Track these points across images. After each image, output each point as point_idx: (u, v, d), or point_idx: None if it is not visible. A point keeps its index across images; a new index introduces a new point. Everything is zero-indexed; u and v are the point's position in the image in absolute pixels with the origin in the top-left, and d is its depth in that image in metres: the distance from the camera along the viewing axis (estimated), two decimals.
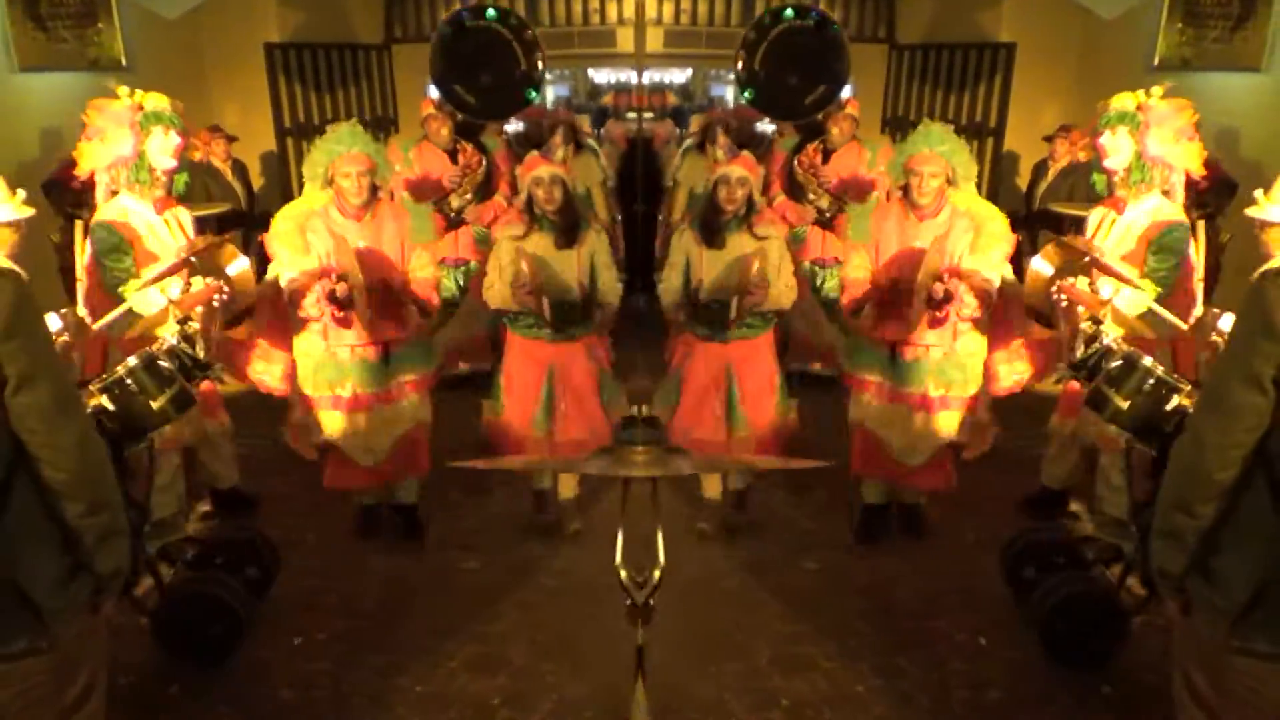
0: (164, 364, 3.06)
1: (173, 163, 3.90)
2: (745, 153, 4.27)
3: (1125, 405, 2.94)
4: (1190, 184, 6.71)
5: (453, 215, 5.84)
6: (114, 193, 3.84)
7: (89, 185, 6.80)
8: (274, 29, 8.09)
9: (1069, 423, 4.02)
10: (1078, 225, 6.47)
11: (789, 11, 6.06)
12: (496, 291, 4.02)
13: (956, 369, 3.89)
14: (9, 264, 2.28)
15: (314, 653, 3.42)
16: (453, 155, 5.97)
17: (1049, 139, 7.22)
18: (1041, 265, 3.73)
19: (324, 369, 3.93)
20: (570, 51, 8.85)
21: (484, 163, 6.03)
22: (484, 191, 6.00)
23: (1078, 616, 3.23)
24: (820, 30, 5.89)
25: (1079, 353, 3.25)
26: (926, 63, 8.46)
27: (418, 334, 4.09)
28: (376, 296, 3.86)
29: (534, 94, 6.05)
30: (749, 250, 3.99)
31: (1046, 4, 7.76)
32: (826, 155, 5.97)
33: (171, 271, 3.57)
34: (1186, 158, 3.78)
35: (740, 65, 5.88)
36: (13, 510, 1.87)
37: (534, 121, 6.59)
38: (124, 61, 7.52)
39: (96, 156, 3.83)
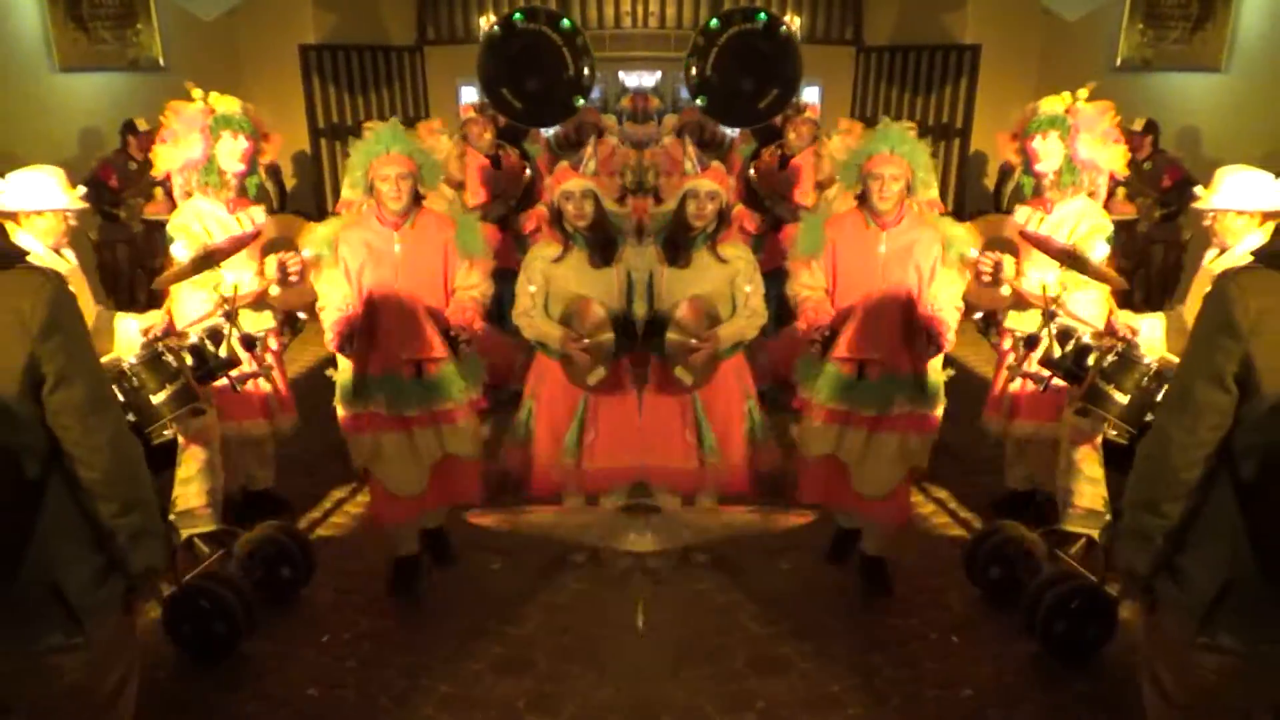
0: (169, 359, 3.00)
1: (241, 166, 3.81)
2: (716, 163, 3.93)
3: (1125, 400, 2.90)
4: (1153, 184, 6.87)
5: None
6: (189, 194, 3.83)
7: (126, 184, 6.94)
8: (309, 30, 8.09)
9: (1025, 425, 3.94)
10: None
11: (738, 15, 5.86)
12: (529, 322, 3.65)
13: (930, 381, 3.55)
14: (47, 264, 2.30)
15: (341, 651, 3.41)
16: (495, 161, 5.83)
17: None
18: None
19: (352, 384, 3.56)
20: (601, 54, 8.82)
21: (527, 169, 5.89)
22: (526, 199, 5.83)
23: (1076, 613, 3.21)
24: (769, 33, 5.66)
25: (1054, 351, 3.24)
26: (894, 64, 8.50)
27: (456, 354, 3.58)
28: (409, 315, 3.47)
29: (580, 101, 5.80)
30: (714, 272, 3.64)
31: (1010, 6, 7.81)
32: (784, 161, 5.84)
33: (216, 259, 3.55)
34: (1113, 160, 3.75)
35: (692, 71, 5.70)
36: (47, 508, 1.85)
37: (573, 124, 6.36)
38: (161, 61, 7.62)
39: (169, 159, 3.83)
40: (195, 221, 3.76)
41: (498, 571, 3.99)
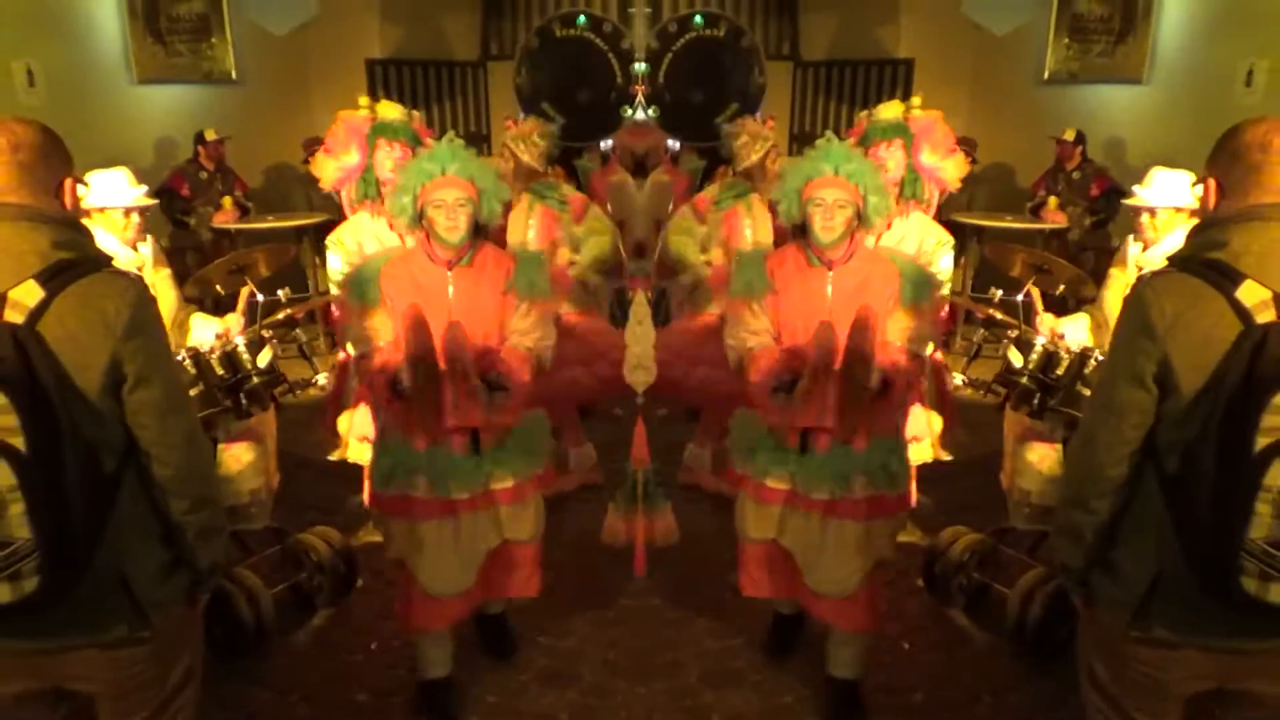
0: (187, 364, 3.02)
1: (393, 179, 3.18)
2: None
3: None
4: (1083, 193, 7.05)
5: None
6: (354, 208, 3.56)
7: (196, 193, 6.87)
8: (375, 45, 8.02)
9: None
10: (979, 234, 6.75)
11: (698, 19, 5.19)
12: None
13: (894, 457, 2.85)
14: (130, 268, 2.29)
15: (391, 659, 3.37)
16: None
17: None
18: None
19: (390, 459, 2.84)
20: None
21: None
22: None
23: (1063, 611, 3.12)
24: (732, 41, 5.08)
25: (1015, 360, 3.32)
26: (830, 79, 8.61)
27: (515, 418, 2.86)
28: (463, 373, 2.70)
29: (629, 110, 5.10)
30: None
31: (942, 21, 7.86)
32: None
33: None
34: (954, 170, 3.51)
35: (644, 78, 5.00)
36: (121, 503, 1.85)
37: None
38: (234, 75, 7.62)
39: (325, 170, 3.56)
40: (351, 237, 3.48)
41: (545, 584, 3.80)
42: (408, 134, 3.51)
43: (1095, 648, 2.04)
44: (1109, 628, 1.98)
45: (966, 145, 7.07)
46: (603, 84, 5.14)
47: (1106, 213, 6.47)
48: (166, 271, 3.69)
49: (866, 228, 2.81)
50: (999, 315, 3.79)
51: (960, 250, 6.39)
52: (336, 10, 7.43)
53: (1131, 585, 1.93)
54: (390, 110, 3.55)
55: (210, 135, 6.81)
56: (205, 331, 3.41)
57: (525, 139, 4.50)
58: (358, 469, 4.17)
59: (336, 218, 6.52)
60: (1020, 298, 3.82)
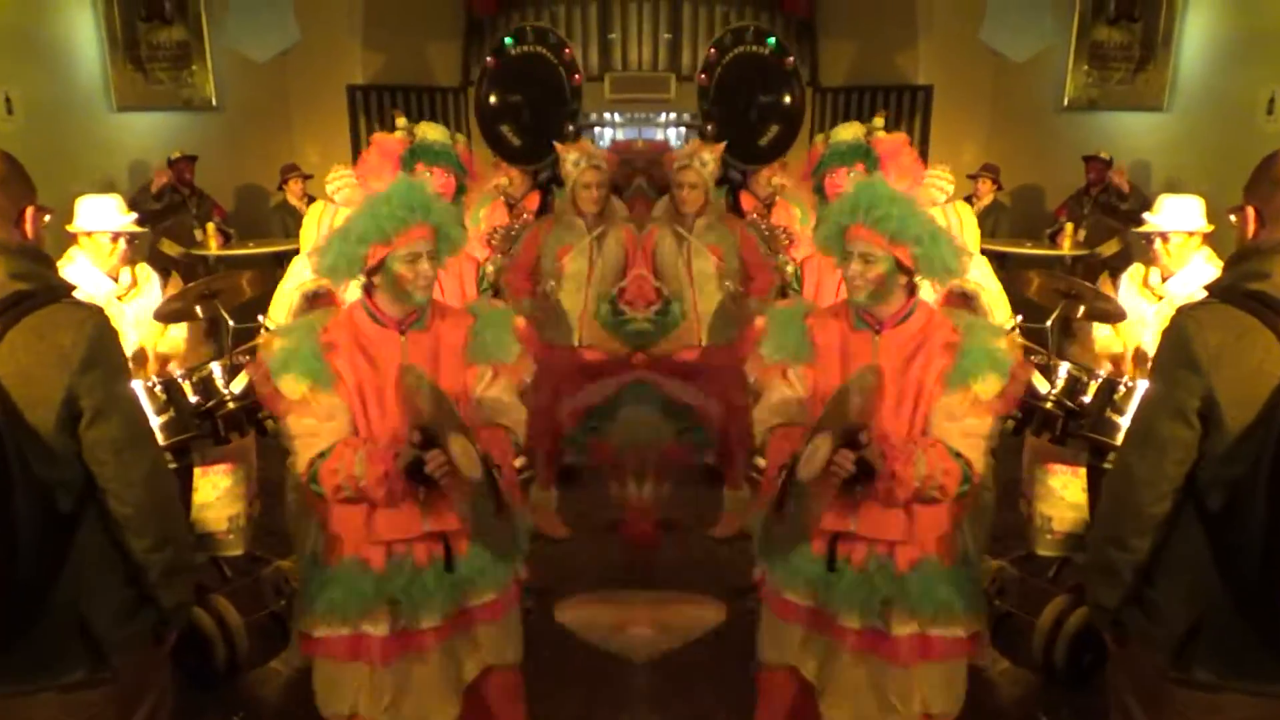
0: (159, 392, 2.99)
1: None
2: None
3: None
4: (1109, 210, 7.00)
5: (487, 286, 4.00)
6: None
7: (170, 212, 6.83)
8: (357, 71, 8.12)
9: None
10: (1000, 260, 6.73)
11: (749, 34, 4.84)
12: None
13: (950, 586, 2.28)
14: (110, 297, 2.26)
15: None
16: (538, 212, 5.05)
17: (973, 177, 7.44)
18: None
19: (340, 590, 2.28)
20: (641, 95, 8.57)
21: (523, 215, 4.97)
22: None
23: (1090, 640, 3.10)
24: (776, 60, 4.71)
25: (1039, 385, 3.29)
26: (849, 105, 8.67)
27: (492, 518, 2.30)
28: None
29: (570, 127, 4.76)
30: None
31: (961, 48, 7.96)
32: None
33: None
34: (922, 201, 2.94)
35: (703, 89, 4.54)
36: (80, 541, 1.80)
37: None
38: (214, 102, 7.72)
39: (357, 199, 3.00)
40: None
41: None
42: (451, 159, 3.27)
43: (1130, 688, 2.00)
44: (1146, 668, 1.94)
45: (990, 172, 7.07)
46: (555, 99, 4.99)
47: (1132, 206, 6.39)
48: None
49: (928, 281, 2.30)
50: (1022, 341, 3.74)
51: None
52: (318, 36, 7.60)
53: (1170, 625, 1.87)
54: (432, 131, 3.32)
55: (175, 154, 6.98)
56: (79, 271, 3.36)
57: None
58: None
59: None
60: (1048, 324, 3.77)
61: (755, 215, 4.81)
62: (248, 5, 7.13)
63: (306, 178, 7.13)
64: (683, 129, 8.14)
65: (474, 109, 5.13)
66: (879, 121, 3.24)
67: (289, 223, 6.80)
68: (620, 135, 8.25)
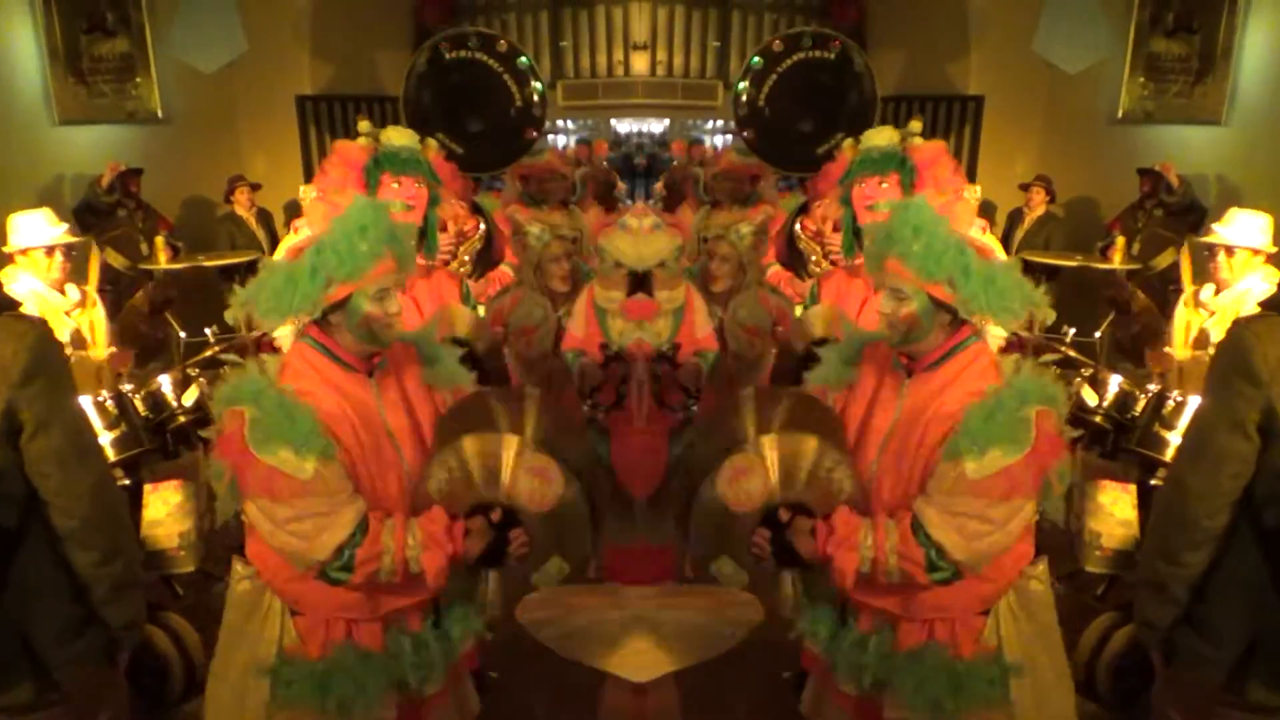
0: (109, 405, 3.01)
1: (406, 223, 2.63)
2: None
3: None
4: (1164, 223, 6.86)
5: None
6: None
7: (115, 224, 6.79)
8: (305, 82, 8.24)
9: None
10: (1049, 273, 6.64)
11: (808, 38, 4.51)
12: None
13: (948, 682, 2.09)
14: (59, 311, 2.27)
15: None
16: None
17: (1024, 187, 7.37)
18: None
19: (349, 684, 2.09)
20: (594, 102, 8.88)
21: (480, 226, 4.95)
22: (484, 262, 4.88)
23: (1135, 660, 3.06)
24: (843, 64, 4.39)
25: (1089, 399, 3.26)
26: (899, 114, 8.63)
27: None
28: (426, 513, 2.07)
29: (534, 134, 4.55)
30: None
31: (1014, 58, 7.94)
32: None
33: None
34: (963, 216, 2.78)
35: (743, 98, 4.37)
36: (24, 559, 1.81)
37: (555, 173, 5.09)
38: (160, 114, 7.78)
39: (314, 215, 2.81)
40: None
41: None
42: (421, 166, 2.95)
43: (1178, 707, 1.96)
44: (1195, 688, 1.97)
45: (1043, 182, 6.96)
46: (499, 108, 4.52)
47: (1180, 200, 6.24)
48: (99, 312, 3.73)
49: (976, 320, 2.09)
50: (1072, 353, 3.72)
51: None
52: (265, 47, 7.70)
53: (1224, 644, 1.90)
54: (398, 136, 2.99)
55: (120, 166, 6.94)
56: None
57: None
58: None
59: (261, 255, 6.55)
60: (1096, 335, 3.74)
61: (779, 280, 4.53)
62: (193, 16, 7.19)
63: (254, 187, 7.25)
64: (729, 136, 8.16)
65: (405, 114, 4.51)
66: (916, 126, 2.98)
67: (236, 234, 6.93)
68: (572, 143, 8.35)
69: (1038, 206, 7.15)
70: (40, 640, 1.83)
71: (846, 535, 2.00)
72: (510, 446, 2.09)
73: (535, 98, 4.71)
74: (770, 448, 2.07)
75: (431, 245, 2.99)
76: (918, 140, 2.94)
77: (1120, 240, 6.65)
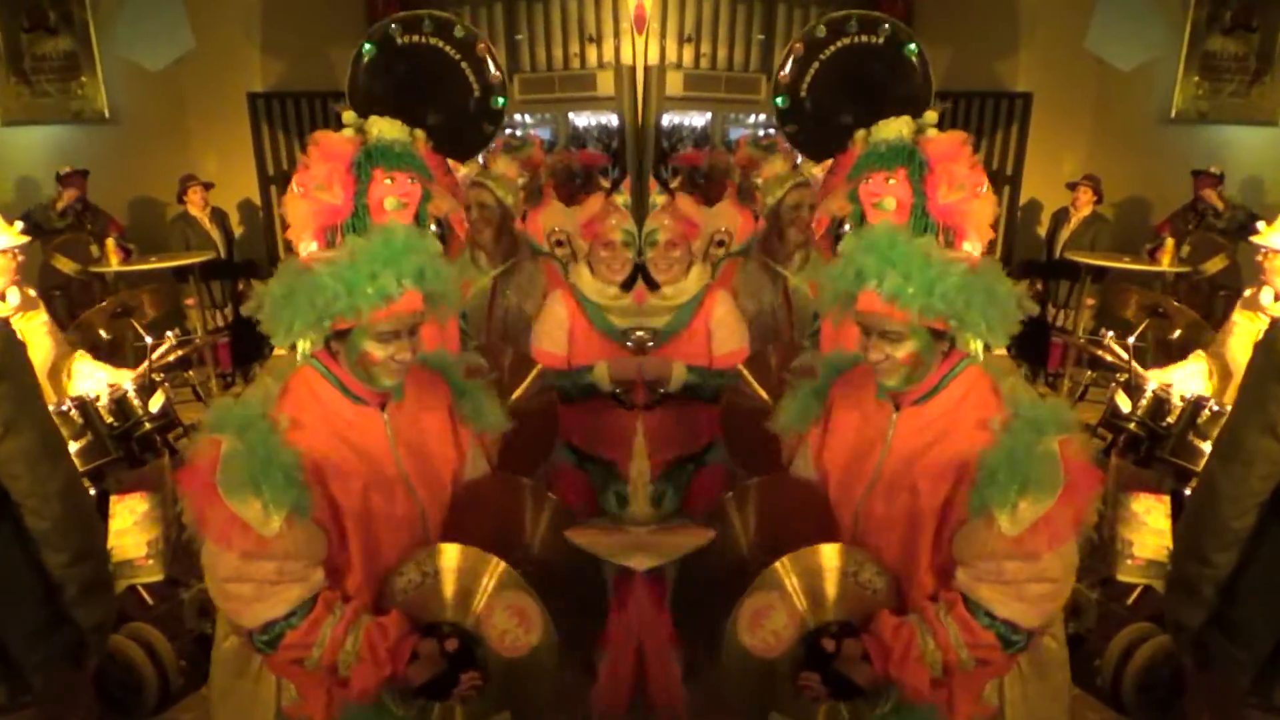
0: (74, 414, 2.97)
1: (398, 221, 2.45)
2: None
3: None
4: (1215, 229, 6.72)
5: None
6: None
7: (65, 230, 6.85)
8: (257, 78, 8.25)
9: None
10: (1095, 274, 6.54)
11: (854, 22, 4.11)
12: None
13: None
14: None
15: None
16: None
17: (1072, 186, 7.28)
18: None
19: None
20: (550, 95, 8.95)
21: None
22: None
23: (1163, 672, 3.05)
24: (891, 50, 4.10)
25: (1123, 405, 3.21)
26: (944, 111, 8.54)
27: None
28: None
29: (491, 128, 4.28)
30: None
31: (1064, 55, 7.86)
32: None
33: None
34: (981, 216, 2.54)
35: (785, 87, 4.08)
36: None
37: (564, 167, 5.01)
38: (106, 113, 7.76)
39: (296, 213, 2.58)
40: None
41: None
42: (415, 162, 2.71)
43: (1208, 709, 1.93)
44: (1225, 693, 2.06)
45: (1091, 181, 6.85)
46: (456, 99, 4.22)
47: (1228, 224, 6.14)
48: (41, 318, 3.59)
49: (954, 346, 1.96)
50: (1109, 357, 3.65)
51: (1076, 292, 6.19)
52: (214, 43, 7.64)
53: (1253, 647, 1.96)
54: (389, 129, 2.71)
55: (64, 170, 6.94)
56: (91, 381, 3.26)
57: (501, 181, 3.79)
58: None
59: (216, 255, 6.60)
60: (1132, 340, 3.67)
61: None
62: (139, 12, 7.15)
63: (207, 186, 7.30)
64: (772, 130, 8.09)
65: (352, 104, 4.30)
66: (931, 117, 2.71)
67: (190, 234, 6.98)
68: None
69: (1084, 206, 7.08)
70: (14, 642, 1.86)
71: (906, 649, 1.81)
72: (494, 574, 1.88)
73: (495, 85, 4.25)
74: (786, 573, 1.88)
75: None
76: (933, 132, 2.69)
77: (1170, 243, 6.55)
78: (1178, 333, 4.32)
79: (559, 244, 3.96)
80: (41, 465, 1.83)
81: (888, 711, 1.93)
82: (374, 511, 1.89)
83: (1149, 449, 3.36)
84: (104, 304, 4.56)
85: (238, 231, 8.09)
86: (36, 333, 3.39)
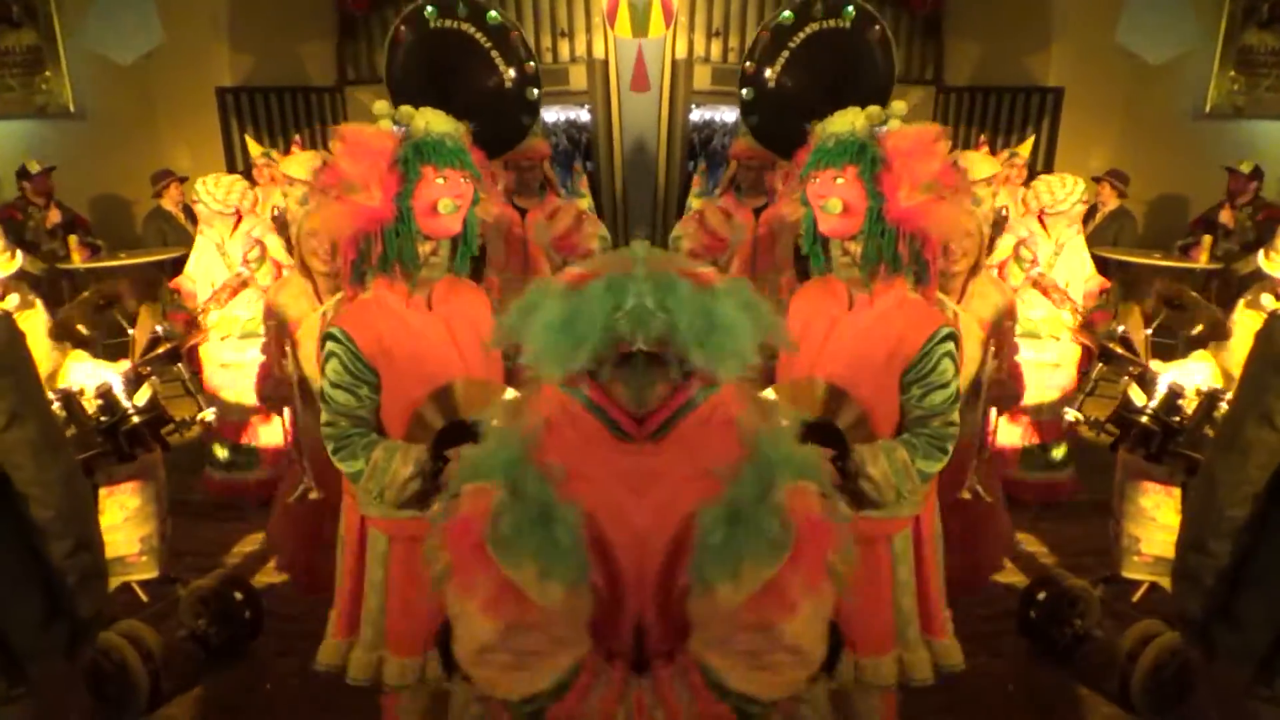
0: (57, 407, 2.88)
1: (451, 226, 2.34)
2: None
3: None
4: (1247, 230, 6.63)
5: None
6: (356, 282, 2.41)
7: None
8: (225, 73, 8.36)
9: None
10: (1123, 269, 6.44)
11: (819, 6, 3.78)
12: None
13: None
14: None
15: (291, 698, 3.24)
16: None
17: (1098, 180, 7.21)
18: None
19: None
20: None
21: None
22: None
23: (1171, 669, 3.06)
24: (859, 32, 3.69)
25: (1136, 399, 3.17)
26: (974, 105, 8.49)
27: None
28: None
29: (530, 120, 3.94)
30: None
31: (1095, 48, 7.88)
32: None
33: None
34: (949, 222, 2.35)
35: (750, 80, 3.72)
36: None
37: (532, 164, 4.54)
38: (72, 108, 7.83)
39: (330, 220, 2.43)
40: (367, 332, 2.41)
41: None
42: (468, 161, 2.43)
43: (1215, 702, 1.95)
44: (1230, 683, 2.16)
45: (1116, 178, 6.78)
46: (489, 88, 3.86)
47: (1257, 235, 6.08)
48: (40, 318, 3.63)
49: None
50: (1120, 350, 3.59)
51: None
52: (183, 37, 7.76)
53: (1255, 637, 1.99)
54: (438, 121, 2.43)
55: (34, 167, 7.00)
56: (89, 378, 3.26)
57: None
58: (238, 512, 4.32)
59: (190, 250, 6.09)
60: (1148, 332, 3.61)
61: None
62: (107, 6, 7.22)
63: (182, 180, 7.07)
64: None
65: (389, 90, 3.71)
66: (899, 106, 2.42)
67: (167, 230, 6.96)
68: None
69: (1108, 201, 6.97)
70: (15, 632, 1.93)
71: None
72: None
73: (529, 76, 3.87)
74: None
75: (467, 252, 2.44)
76: (895, 122, 2.40)
77: (1207, 240, 6.46)
78: (1198, 328, 4.22)
79: None
80: (44, 454, 1.89)
81: None
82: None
83: (1161, 443, 3.30)
84: (85, 295, 4.41)
85: None
86: (34, 333, 3.46)
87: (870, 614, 2.35)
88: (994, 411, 3.31)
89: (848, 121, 2.37)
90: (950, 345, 2.28)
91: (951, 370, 2.28)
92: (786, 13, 3.75)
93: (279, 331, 3.13)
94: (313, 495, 2.81)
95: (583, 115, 8.80)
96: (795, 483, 1.57)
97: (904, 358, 2.26)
